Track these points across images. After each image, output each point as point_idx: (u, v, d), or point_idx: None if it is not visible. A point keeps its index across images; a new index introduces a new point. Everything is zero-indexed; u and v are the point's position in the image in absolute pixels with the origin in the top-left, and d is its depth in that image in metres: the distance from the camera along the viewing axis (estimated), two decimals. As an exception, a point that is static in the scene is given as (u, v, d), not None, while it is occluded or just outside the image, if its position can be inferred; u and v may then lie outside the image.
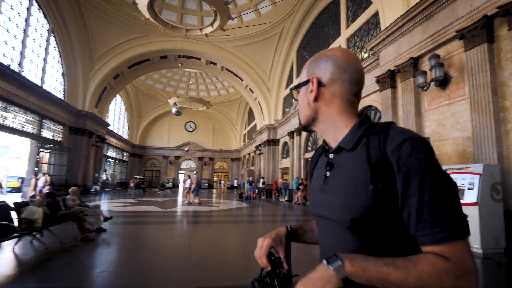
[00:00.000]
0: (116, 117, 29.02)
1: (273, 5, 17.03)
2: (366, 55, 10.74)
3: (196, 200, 13.09)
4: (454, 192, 0.58)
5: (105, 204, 12.41)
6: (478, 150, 5.14)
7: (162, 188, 23.04)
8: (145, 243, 5.36)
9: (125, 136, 31.92)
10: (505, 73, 4.99)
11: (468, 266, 0.53)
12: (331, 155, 0.74)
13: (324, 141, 0.80)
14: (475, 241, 4.22)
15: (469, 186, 4.40)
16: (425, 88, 6.38)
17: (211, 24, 16.23)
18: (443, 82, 6.11)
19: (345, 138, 0.71)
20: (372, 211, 0.61)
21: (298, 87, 0.80)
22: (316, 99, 0.75)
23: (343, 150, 0.71)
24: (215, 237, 6.07)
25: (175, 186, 35.37)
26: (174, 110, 19.47)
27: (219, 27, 16.29)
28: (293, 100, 17.43)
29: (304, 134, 16.05)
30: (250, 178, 18.35)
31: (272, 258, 0.75)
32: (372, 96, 9.70)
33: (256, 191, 20.87)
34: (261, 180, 19.92)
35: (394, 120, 7.57)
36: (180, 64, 20.66)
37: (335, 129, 0.74)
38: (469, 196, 4.32)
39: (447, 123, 6.03)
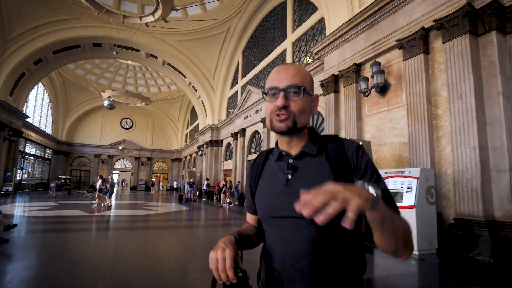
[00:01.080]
0: (38, 108, 25.14)
1: (220, 2, 16.51)
2: (310, 60, 10.93)
3: (107, 203, 11.71)
4: None
5: (17, 208, 10.40)
6: (413, 155, 5.38)
7: (91, 189, 20.60)
8: (57, 257, 4.36)
9: (49, 131, 27.91)
10: (438, 83, 5.31)
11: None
12: (290, 160, 0.83)
13: (277, 146, 0.89)
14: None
15: (407, 189, 4.51)
16: (366, 94, 6.56)
17: (153, 13, 15.02)
18: (383, 89, 6.35)
19: (307, 146, 0.83)
20: None
21: (307, 92, 0.81)
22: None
23: (306, 156, 0.82)
24: (147, 246, 5.31)
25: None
26: (106, 103, 17.48)
27: (161, 18, 15.19)
28: (238, 100, 17.13)
29: (248, 135, 15.82)
30: (191, 180, 17.43)
31: (238, 270, 0.69)
32: (315, 100, 9.83)
33: (197, 193, 20.01)
34: (205, 182, 19.11)
35: (336, 124, 7.70)
36: (114, 53, 18.72)
37: (302, 137, 0.84)
38: (408, 199, 4.42)
39: (385, 128, 6.25)
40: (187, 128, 33.10)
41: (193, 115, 29.51)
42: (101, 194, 11.92)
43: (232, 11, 16.91)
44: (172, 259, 4.62)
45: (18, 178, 21.31)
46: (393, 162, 5.99)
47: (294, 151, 0.83)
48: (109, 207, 11.47)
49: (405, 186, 4.56)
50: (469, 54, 4.71)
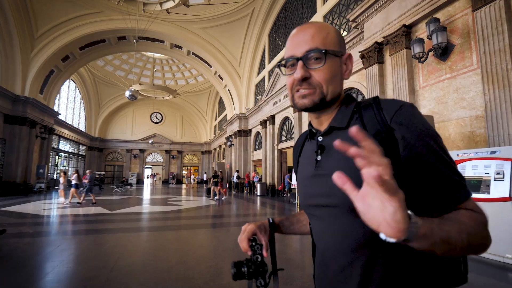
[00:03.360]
0: (70, 106, 25.96)
1: (243, -17, 15.52)
2: (345, 32, 9.66)
3: (80, 200, 10.59)
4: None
5: (38, 205, 10.40)
6: (493, 131, 4.15)
7: (120, 184, 20.87)
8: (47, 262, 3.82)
9: (82, 128, 28.88)
10: (528, 34, 4.00)
11: (487, 216, 0.55)
12: (320, 138, 0.70)
13: (310, 124, 0.75)
14: (507, 249, 3.19)
15: (496, 175, 3.34)
16: (422, 59, 5.33)
17: (173, -2, 14.42)
18: (444, 51, 5.09)
19: (336, 117, 0.68)
20: None
21: (332, 53, 0.66)
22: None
23: (334, 130, 0.68)
24: (157, 247, 4.66)
25: (140, 182, 33.02)
26: (127, 93, 17.03)
27: (182, 2, 14.54)
28: (266, 86, 16.18)
29: (277, 122, 14.86)
30: (220, 172, 16.91)
31: (253, 244, 0.72)
32: (353, 77, 8.64)
33: (227, 185, 19.53)
34: (235, 174, 18.53)
35: (382, 100, 6.52)
36: (134, 41, 18.37)
37: (333, 108, 0.69)
38: (497, 189, 3.27)
39: (449, 100, 5.02)
40: (215, 119, 32.79)
41: (221, 106, 29.04)
42: (78, 191, 11.06)
43: (256, -9, 15.84)
44: (198, 269, 3.90)
45: (54, 175, 22.10)
46: (461, 142, 4.77)
47: (324, 127, 0.70)
48: (94, 203, 10.62)
49: (492, 172, 3.38)
50: None
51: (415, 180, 0.56)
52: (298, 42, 0.66)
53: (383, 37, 6.43)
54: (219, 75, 21.60)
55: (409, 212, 0.42)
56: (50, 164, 20.25)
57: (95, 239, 5.17)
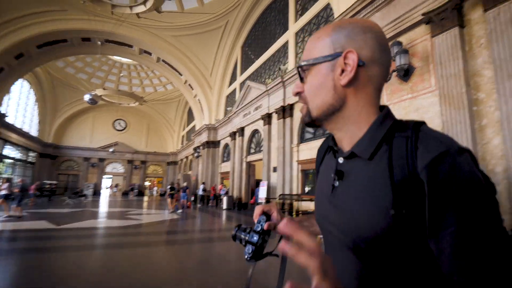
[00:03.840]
0: (22, 108, 23.62)
1: (218, -5, 15.63)
2: (315, 50, 10.01)
3: (17, 213, 9.63)
4: (499, 227, 0.42)
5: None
6: (449, 149, 4.40)
7: (73, 195, 19.28)
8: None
9: (34, 133, 26.28)
10: (478, 61, 4.36)
11: None
12: (340, 160, 0.58)
13: (332, 137, 0.63)
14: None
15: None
16: (387, 79, 5.59)
17: (144, 3, 14.07)
18: (405, 74, 5.39)
19: (361, 142, 0.54)
20: (390, 239, 0.48)
21: (313, 63, 0.57)
22: (349, 82, 0.54)
23: (356, 157, 0.55)
24: (128, 269, 4.28)
25: (97, 193, 30.89)
26: (87, 97, 15.79)
27: (154, 8, 14.23)
28: (237, 97, 16.19)
29: (247, 135, 14.84)
30: (185, 184, 16.37)
31: (264, 216, 0.67)
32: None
33: (192, 198, 18.94)
34: (201, 186, 18.01)
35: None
36: (99, 42, 17.55)
37: (355, 126, 0.56)
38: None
39: (411, 119, 5.28)
40: (183, 129, 32.09)
41: (190, 116, 28.51)
42: (7, 202, 9.87)
43: (231, 4, 16.02)
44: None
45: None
46: (420, 158, 5.02)
47: (345, 146, 0.58)
48: (19, 217, 9.43)
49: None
50: (523, 21, 3.77)
51: (434, 248, 0.46)
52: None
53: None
54: (189, 84, 21.29)
55: None
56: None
57: (34, 259, 4.59)
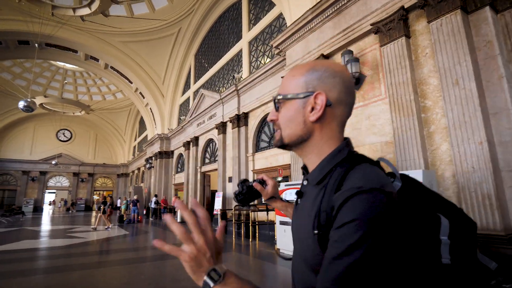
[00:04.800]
0: None
1: (170, 1, 15.03)
2: (268, 59, 9.95)
3: None
4: (379, 264, 0.47)
5: None
6: (400, 156, 4.43)
7: (8, 213, 17.04)
8: None
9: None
10: (424, 70, 4.48)
11: None
12: (305, 182, 0.69)
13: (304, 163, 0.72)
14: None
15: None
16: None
17: (89, 5, 12.99)
18: (356, 82, 5.43)
19: (314, 171, 0.64)
20: (318, 257, 0.55)
21: (288, 98, 0.65)
22: (317, 119, 0.63)
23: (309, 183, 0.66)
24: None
25: (38, 209, 27.81)
26: (21, 104, 14.06)
27: (100, 11, 13.26)
28: (190, 106, 15.57)
29: (201, 144, 14.25)
30: (135, 197, 15.17)
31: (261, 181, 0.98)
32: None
33: (144, 212, 17.64)
34: (154, 199, 16.83)
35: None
36: (36, 45, 15.84)
37: (317, 156, 0.65)
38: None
39: (362, 126, 5.30)
40: (135, 139, 30.26)
41: (142, 126, 27.01)
42: None
43: (183, 12, 15.51)
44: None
45: None
46: (374, 166, 5.02)
47: (309, 169, 0.68)
48: None
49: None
50: (463, 32, 3.93)
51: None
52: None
53: (304, 64, 6.66)
54: (140, 93, 20.17)
55: (209, 271, 0.50)
56: None
57: None
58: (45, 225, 14.15)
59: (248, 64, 11.07)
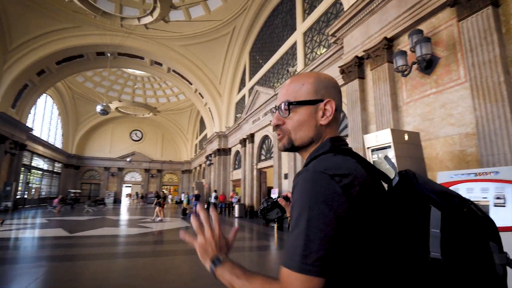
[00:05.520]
0: (46, 122, 24.82)
1: (224, 1, 15.34)
2: (324, 49, 9.42)
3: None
4: (322, 226, 0.54)
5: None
6: (486, 150, 3.69)
7: (93, 203, 19.51)
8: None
9: (59, 145, 27.53)
10: (519, 44, 3.65)
11: None
12: None
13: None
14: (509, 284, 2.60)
15: (496, 200, 2.80)
16: (405, 73, 4.93)
17: (151, 13, 13.96)
18: (427, 66, 4.72)
19: (305, 162, 0.73)
20: None
21: (302, 103, 0.73)
22: (328, 123, 0.73)
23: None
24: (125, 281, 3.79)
25: (117, 201, 31.40)
26: (99, 108, 16.31)
27: (160, 17, 14.13)
28: (246, 103, 15.74)
29: (257, 141, 14.29)
30: (196, 192, 15.96)
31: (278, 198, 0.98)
32: (333, 94, 8.27)
33: (205, 206, 18.48)
34: (213, 194, 17.57)
35: (363, 117, 6.07)
36: (108, 54, 17.69)
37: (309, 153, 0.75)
38: (500, 216, 2.72)
39: (436, 116, 4.59)
40: (196, 138, 31.99)
41: (202, 125, 28.38)
42: None
43: (237, 10, 15.69)
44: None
45: (24, 193, 20.70)
46: (450, 162, 4.30)
47: None
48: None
49: (490, 196, 2.84)
50: None
51: None
52: (280, 94, 0.76)
53: (363, 51, 6.08)
54: (199, 93, 21.10)
55: (212, 259, 0.68)
56: (21, 181, 18.87)
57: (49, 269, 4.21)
58: (121, 215, 15.81)
59: (303, 56, 10.66)
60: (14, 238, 7.60)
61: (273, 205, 0.97)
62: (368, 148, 4.30)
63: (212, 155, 20.09)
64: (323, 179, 0.57)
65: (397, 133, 3.96)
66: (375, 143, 4.16)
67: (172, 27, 16.70)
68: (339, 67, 6.84)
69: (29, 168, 21.89)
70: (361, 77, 6.24)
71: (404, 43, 5.26)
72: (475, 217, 0.55)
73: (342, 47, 7.12)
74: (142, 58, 20.29)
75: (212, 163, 20.17)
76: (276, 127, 0.75)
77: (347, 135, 6.86)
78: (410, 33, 4.89)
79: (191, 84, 20.91)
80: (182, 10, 15.83)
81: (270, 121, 12.06)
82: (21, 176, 19.60)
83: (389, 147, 3.91)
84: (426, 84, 4.79)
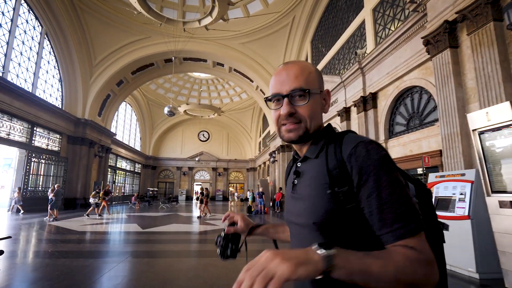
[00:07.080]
0: (127, 127, 27.93)
1: (282, -9, 14.86)
2: (400, 23, 8.20)
3: (49, 218, 10.21)
4: (406, 190, 0.61)
5: (81, 221, 10.28)
6: None
7: (166, 201, 21.03)
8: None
9: (137, 147, 30.84)
10: None
11: (431, 256, 0.56)
12: (299, 164, 0.78)
13: (295, 151, 0.83)
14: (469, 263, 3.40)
15: (460, 196, 3.17)
16: None
17: (210, 14, 14.24)
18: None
19: (310, 148, 0.76)
20: (333, 214, 0.64)
21: (315, 91, 0.74)
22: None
23: (308, 159, 0.76)
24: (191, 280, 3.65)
25: (189, 198, 33.65)
26: (166, 109, 17.68)
27: (219, 16, 14.29)
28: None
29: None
30: (261, 189, 15.83)
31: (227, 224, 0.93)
32: (414, 73, 7.08)
33: (270, 203, 18.32)
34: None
35: (459, 94, 4.93)
36: (173, 58, 18.74)
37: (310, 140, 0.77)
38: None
39: None
40: (259, 136, 32.19)
41: (265, 122, 28.41)
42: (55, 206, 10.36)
43: (295, -1, 15.05)
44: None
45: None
46: None
47: (303, 153, 0.79)
48: (55, 219, 10.09)
49: (457, 192, 3.46)
50: None
51: (366, 212, 0.62)
52: (283, 80, 0.72)
53: (456, 13, 4.94)
54: (260, 90, 21.01)
55: (317, 246, 0.52)
56: (108, 181, 21.49)
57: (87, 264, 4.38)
58: (191, 212, 16.59)
59: (373, 35, 9.52)
60: (95, 232, 8.31)
61: (226, 240, 0.88)
62: (474, 130, 3.35)
63: (276, 152, 19.80)
64: (379, 146, 0.64)
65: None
66: (486, 123, 3.21)
67: (230, 26, 16.88)
68: (422, 37, 5.76)
69: (114, 169, 24.71)
70: (454, 46, 5.10)
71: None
72: (428, 190, 0.75)
73: (425, 14, 6.00)
74: (205, 60, 21.07)
75: (276, 160, 19.88)
76: (289, 116, 0.72)
77: (436, 119, 5.75)
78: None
79: (252, 81, 20.96)
80: (240, 7, 15.86)
81: (337, 111, 11.17)
82: (108, 176, 22.16)
83: (509, 126, 2.95)
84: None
